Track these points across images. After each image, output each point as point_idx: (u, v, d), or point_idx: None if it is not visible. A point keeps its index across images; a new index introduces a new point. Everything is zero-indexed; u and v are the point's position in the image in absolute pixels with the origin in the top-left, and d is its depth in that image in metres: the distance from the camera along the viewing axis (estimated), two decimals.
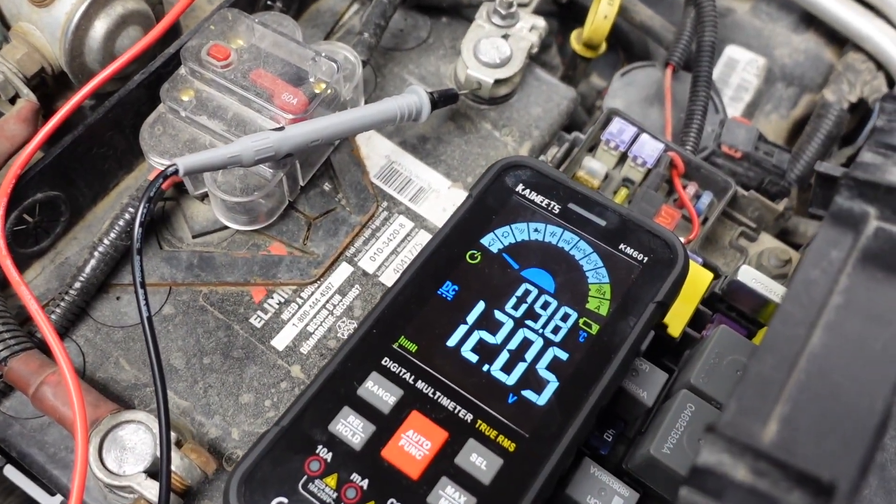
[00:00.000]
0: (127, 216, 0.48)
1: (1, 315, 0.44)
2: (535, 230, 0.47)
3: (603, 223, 0.47)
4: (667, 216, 0.55)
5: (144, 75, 0.48)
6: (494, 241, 0.46)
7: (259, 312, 0.49)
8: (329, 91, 0.49)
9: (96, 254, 0.47)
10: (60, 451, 0.45)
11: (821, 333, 0.31)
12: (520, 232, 0.47)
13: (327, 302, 0.50)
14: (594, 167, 0.57)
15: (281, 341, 0.49)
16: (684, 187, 0.57)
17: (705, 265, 0.52)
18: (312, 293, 0.50)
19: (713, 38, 0.63)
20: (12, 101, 0.48)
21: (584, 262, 0.45)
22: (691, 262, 0.51)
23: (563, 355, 0.42)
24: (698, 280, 0.50)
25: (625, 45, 0.76)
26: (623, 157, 0.58)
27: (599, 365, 0.42)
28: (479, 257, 0.46)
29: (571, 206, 0.47)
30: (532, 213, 0.47)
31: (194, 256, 0.50)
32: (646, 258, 0.45)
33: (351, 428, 0.40)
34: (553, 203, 0.47)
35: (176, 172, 0.41)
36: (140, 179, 0.52)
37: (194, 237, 0.51)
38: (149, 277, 0.49)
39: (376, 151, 0.55)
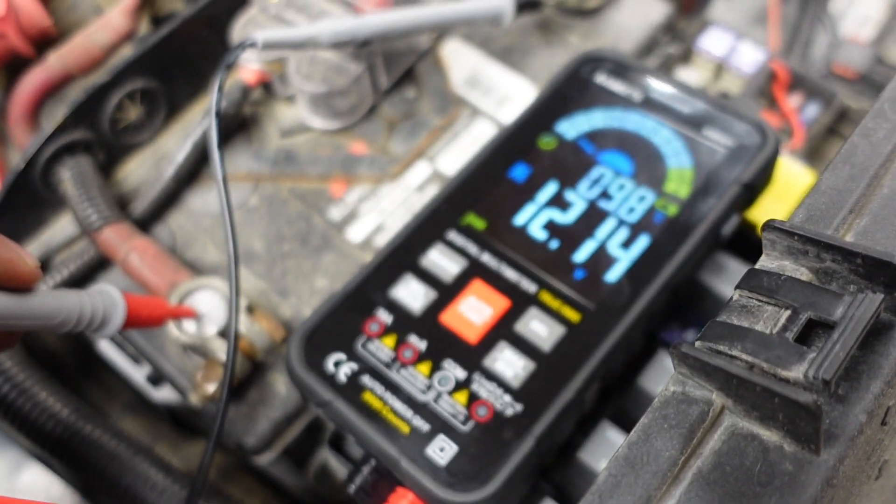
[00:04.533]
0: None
1: (100, 191, 0.47)
2: (614, 117, 0.45)
3: (686, 110, 0.44)
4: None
5: None
6: (570, 127, 0.45)
7: (338, 205, 0.50)
8: None
9: (188, 142, 0.49)
10: None
11: None
12: (597, 119, 0.45)
13: (405, 199, 0.50)
14: (688, 79, 0.54)
15: (357, 233, 0.49)
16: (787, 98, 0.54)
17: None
18: (391, 190, 0.50)
19: None
20: None
21: (665, 147, 0.43)
22: (791, 162, 0.47)
23: (637, 234, 0.40)
24: (798, 181, 0.47)
25: None
26: (721, 70, 0.55)
27: (675, 243, 0.40)
28: (554, 142, 0.45)
29: (653, 94, 0.45)
30: (611, 101, 0.45)
31: (281, 153, 0.52)
32: (731, 142, 0.43)
33: (412, 293, 0.40)
34: (634, 91, 0.46)
35: (254, 44, 0.43)
36: (235, 80, 0.54)
37: (282, 136, 0.53)
38: (237, 170, 0.52)
39: (461, 60, 0.55)
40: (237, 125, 0.52)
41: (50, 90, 0.48)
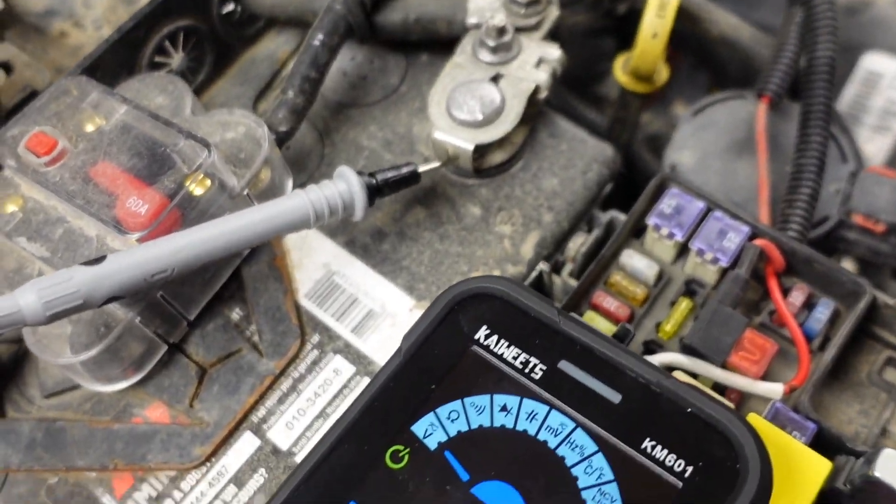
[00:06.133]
0: None
1: None
2: (504, 408, 0.28)
3: (617, 398, 0.27)
4: (753, 350, 0.34)
5: None
6: (435, 427, 0.28)
7: None
8: (206, 183, 0.33)
9: None
10: None
11: None
12: (477, 412, 0.28)
13: (216, 498, 0.34)
14: (638, 267, 0.37)
15: None
16: (787, 292, 0.36)
17: (820, 440, 0.31)
18: (197, 483, 0.34)
19: (831, 51, 0.41)
20: None
21: (582, 472, 0.26)
22: (795, 443, 0.30)
23: None
24: (806, 475, 0.29)
25: (715, 65, 0.56)
26: (685, 251, 0.37)
27: None
28: (406, 458, 0.28)
29: (564, 365, 0.28)
30: (500, 379, 0.28)
31: (40, 429, 0.35)
32: (690, 469, 0.25)
33: None
34: (534, 360, 0.28)
35: None
36: None
37: (46, 397, 0.36)
38: None
39: (311, 257, 0.38)
40: None
41: None
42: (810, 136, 0.40)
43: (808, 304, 0.36)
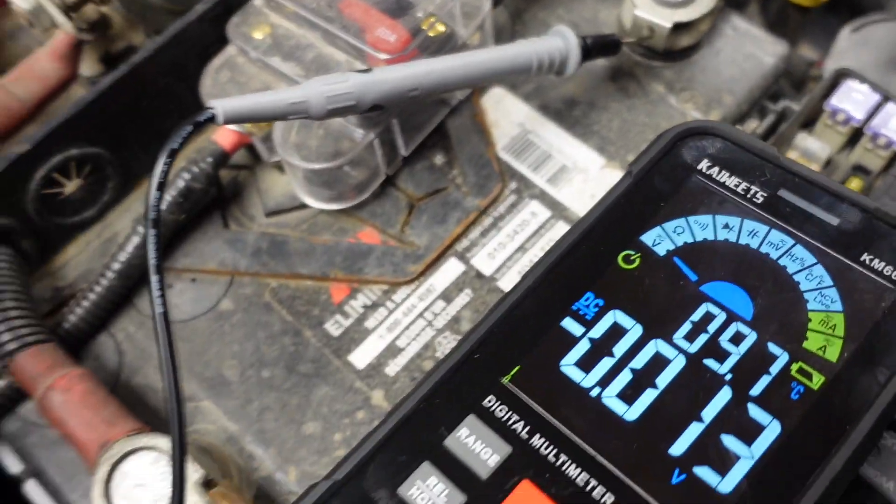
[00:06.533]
0: (182, 183, 0.38)
1: (16, 299, 0.35)
2: (726, 226, 0.32)
3: (835, 221, 0.31)
4: None
5: (208, 5, 0.38)
6: (662, 238, 0.32)
7: (338, 316, 0.38)
8: (440, 28, 0.36)
9: (141, 228, 0.37)
10: (80, 471, 0.36)
11: None
12: (701, 228, 0.32)
13: (427, 309, 0.37)
14: (812, 148, 0.41)
15: (362, 357, 0.37)
16: None
17: None
18: (408, 296, 0.38)
19: None
20: None
21: (803, 278, 0.30)
22: None
23: (764, 419, 0.27)
24: None
25: (851, 5, 0.58)
26: (856, 136, 0.41)
27: (823, 440, 0.26)
28: (638, 261, 0.31)
29: (784, 193, 0.32)
30: (721, 202, 0.32)
31: (264, 240, 0.39)
32: None
33: (430, 495, 0.27)
34: (755, 188, 0.32)
35: (213, 119, 0.30)
36: (207, 142, 0.41)
37: (268, 215, 0.40)
38: (207, 262, 0.39)
39: (507, 117, 0.42)
40: (208, 202, 0.40)
41: None
42: None
43: None
